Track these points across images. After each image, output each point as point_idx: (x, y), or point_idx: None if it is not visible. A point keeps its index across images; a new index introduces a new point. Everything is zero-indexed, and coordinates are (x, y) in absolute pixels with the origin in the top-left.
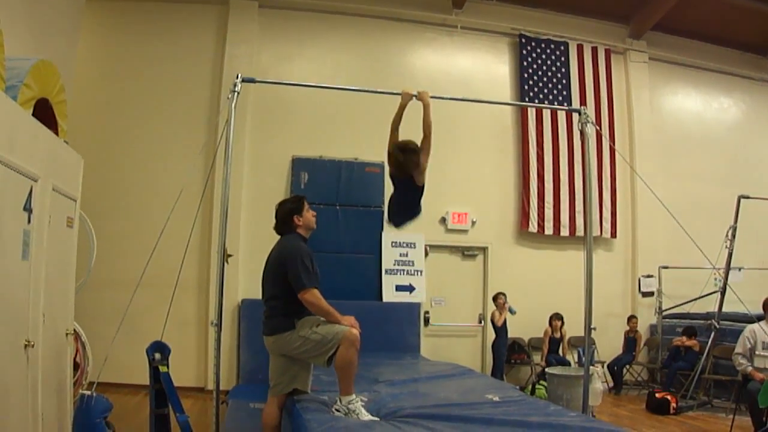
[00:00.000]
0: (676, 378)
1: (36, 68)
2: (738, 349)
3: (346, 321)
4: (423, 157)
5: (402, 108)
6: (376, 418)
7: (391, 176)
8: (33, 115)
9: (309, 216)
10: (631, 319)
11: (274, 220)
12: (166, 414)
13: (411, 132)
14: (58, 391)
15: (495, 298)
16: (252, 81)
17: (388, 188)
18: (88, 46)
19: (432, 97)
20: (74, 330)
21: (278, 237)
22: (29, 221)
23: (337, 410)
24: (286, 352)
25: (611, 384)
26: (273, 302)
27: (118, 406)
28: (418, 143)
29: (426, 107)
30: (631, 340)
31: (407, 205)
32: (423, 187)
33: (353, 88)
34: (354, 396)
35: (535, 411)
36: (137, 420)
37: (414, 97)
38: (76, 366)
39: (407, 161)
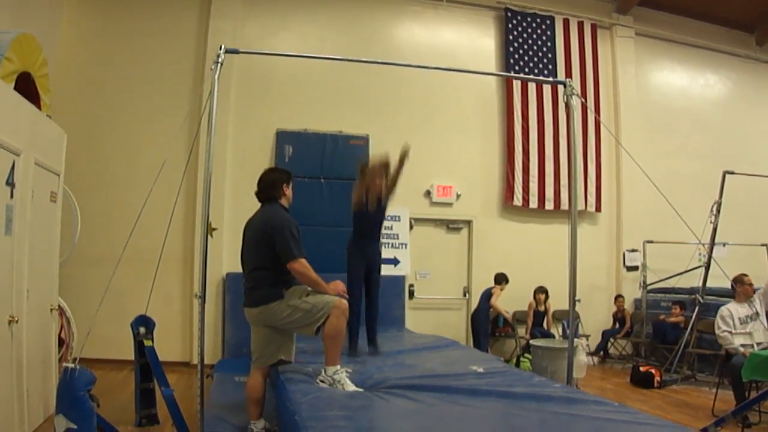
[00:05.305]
0: (659, 351)
1: (17, 41)
2: (723, 327)
3: (332, 290)
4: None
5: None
6: (360, 389)
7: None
8: (15, 89)
9: (291, 192)
10: (618, 298)
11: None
12: (151, 388)
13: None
14: (43, 367)
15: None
16: (235, 52)
17: None
18: (71, 20)
19: (416, 67)
20: (59, 305)
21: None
22: (12, 196)
23: (322, 381)
24: (273, 322)
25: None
26: (259, 273)
27: (104, 381)
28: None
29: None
30: (620, 320)
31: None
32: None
33: (337, 57)
34: (339, 366)
35: (520, 382)
36: (123, 395)
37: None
38: (61, 342)
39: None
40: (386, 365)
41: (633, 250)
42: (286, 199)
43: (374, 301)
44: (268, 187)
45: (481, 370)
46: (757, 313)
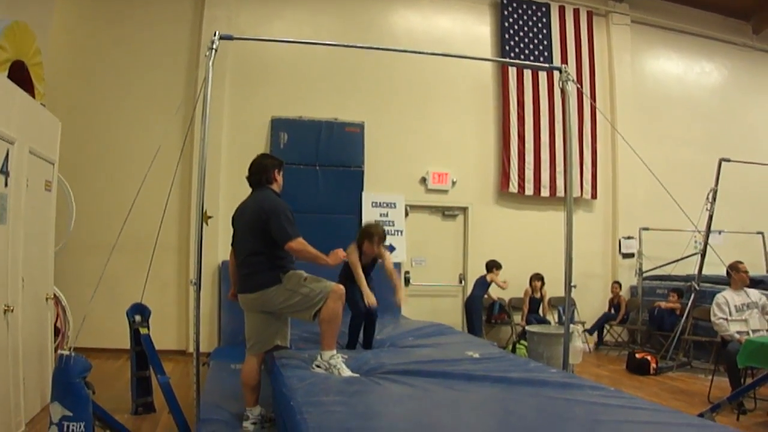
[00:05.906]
0: (655, 338)
1: (10, 30)
2: (719, 314)
3: (333, 260)
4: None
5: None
6: (356, 375)
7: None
8: (8, 77)
9: (281, 179)
10: (614, 285)
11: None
12: (147, 376)
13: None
14: (39, 357)
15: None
16: (230, 38)
17: (368, 148)
18: (64, 8)
19: (412, 52)
20: (54, 294)
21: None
22: (6, 184)
23: (318, 366)
24: (270, 307)
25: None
26: (255, 258)
27: (100, 369)
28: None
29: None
30: (616, 307)
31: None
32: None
33: (332, 43)
34: (335, 351)
35: (516, 367)
36: (119, 383)
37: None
38: (57, 331)
39: None
40: (382, 351)
41: (629, 237)
42: (277, 185)
43: (372, 316)
44: (260, 171)
45: (477, 355)
46: (754, 302)
